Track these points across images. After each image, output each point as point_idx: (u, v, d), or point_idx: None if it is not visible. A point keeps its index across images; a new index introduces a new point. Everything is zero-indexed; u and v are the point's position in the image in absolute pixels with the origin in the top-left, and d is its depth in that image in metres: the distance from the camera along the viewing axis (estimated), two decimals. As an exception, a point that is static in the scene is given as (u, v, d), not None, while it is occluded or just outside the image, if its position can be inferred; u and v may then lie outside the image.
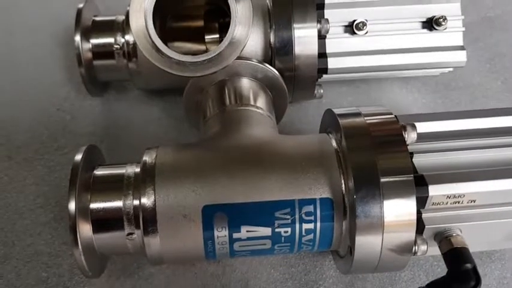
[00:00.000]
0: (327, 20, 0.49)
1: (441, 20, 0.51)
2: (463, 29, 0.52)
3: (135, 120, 0.56)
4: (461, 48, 0.52)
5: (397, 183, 0.37)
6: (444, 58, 0.52)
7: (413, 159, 0.39)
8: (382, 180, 0.36)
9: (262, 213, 0.38)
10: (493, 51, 0.63)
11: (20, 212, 0.50)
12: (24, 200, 0.50)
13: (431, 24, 0.51)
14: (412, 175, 0.37)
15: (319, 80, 0.53)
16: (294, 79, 0.50)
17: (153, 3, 0.42)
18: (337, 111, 0.41)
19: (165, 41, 0.49)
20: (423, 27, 0.51)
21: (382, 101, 0.58)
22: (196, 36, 0.52)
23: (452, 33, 0.52)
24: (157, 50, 0.42)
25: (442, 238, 0.38)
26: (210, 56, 0.42)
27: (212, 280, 0.46)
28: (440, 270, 0.43)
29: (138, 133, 0.55)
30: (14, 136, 0.55)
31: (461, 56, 0.52)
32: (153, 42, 0.42)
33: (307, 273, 0.46)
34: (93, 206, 0.39)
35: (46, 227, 0.49)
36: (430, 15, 0.51)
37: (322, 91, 0.54)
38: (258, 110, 0.45)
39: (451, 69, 0.55)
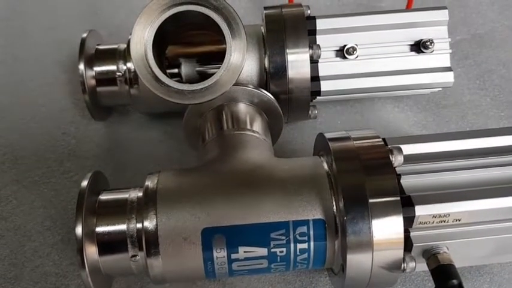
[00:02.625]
0: (318, 45, 0.51)
1: (428, 43, 0.53)
2: (450, 51, 0.54)
3: (138, 143, 0.58)
4: (449, 69, 0.54)
5: (385, 204, 0.39)
6: (432, 79, 0.54)
7: (401, 181, 0.41)
8: (371, 201, 0.39)
9: (258, 234, 0.40)
10: (482, 68, 0.65)
11: (29, 234, 0.52)
12: (33, 222, 0.53)
13: (419, 47, 0.53)
14: (398, 196, 0.39)
15: (313, 101, 0.55)
16: (289, 101, 0.53)
17: (153, 35, 0.44)
18: (328, 135, 0.44)
19: (165, 67, 0.52)
20: (411, 50, 0.54)
21: (375, 120, 0.60)
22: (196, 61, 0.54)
23: (440, 55, 0.54)
24: (157, 79, 0.44)
25: (430, 255, 0.40)
26: (207, 84, 0.44)
27: (213, 297, 0.48)
28: (431, 285, 0.44)
29: (140, 155, 0.57)
30: (22, 160, 0.57)
31: (448, 77, 0.54)
32: (152, 72, 0.44)
33: (303, 290, 0.48)
34: (99, 229, 0.42)
35: (54, 248, 0.51)
36: (417, 39, 0.53)
37: (316, 112, 0.56)
38: (254, 134, 0.48)
39: (439, 88, 0.57)
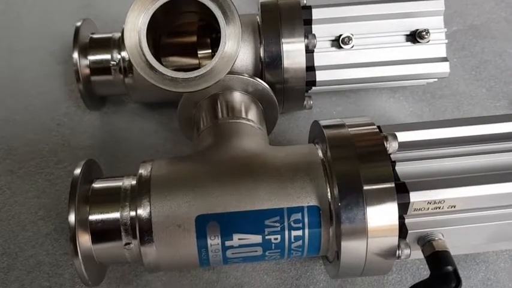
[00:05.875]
0: (314, 35, 0.51)
1: (424, 33, 0.53)
2: (446, 41, 0.54)
3: (132, 133, 0.58)
4: (445, 59, 0.54)
5: (379, 191, 0.38)
6: (428, 69, 0.54)
7: (395, 168, 0.41)
8: (365, 188, 0.38)
9: (252, 221, 0.40)
10: (478, 59, 0.65)
11: (23, 224, 0.52)
12: (26, 212, 0.52)
13: (414, 37, 0.53)
14: (393, 183, 0.39)
15: (308, 91, 0.55)
16: (284, 91, 0.52)
17: (147, 23, 0.44)
18: (322, 122, 0.43)
19: (159, 57, 0.52)
20: (407, 40, 0.53)
21: (370, 110, 0.60)
22: (190, 51, 0.54)
23: (435, 46, 0.54)
24: (151, 67, 0.44)
25: (425, 242, 0.40)
26: (202, 73, 0.44)
27: (207, 286, 0.48)
28: (427, 273, 0.44)
29: (135, 145, 0.57)
30: (16, 151, 0.57)
31: (444, 67, 0.54)
32: (146, 59, 0.44)
33: (298, 278, 0.48)
34: (92, 217, 0.41)
35: (47, 238, 0.51)
36: (413, 29, 0.53)
37: (311, 102, 0.56)
38: (249, 123, 0.47)
39: (435, 79, 0.57)
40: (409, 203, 0.39)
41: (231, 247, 0.41)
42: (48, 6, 0.71)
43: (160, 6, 0.44)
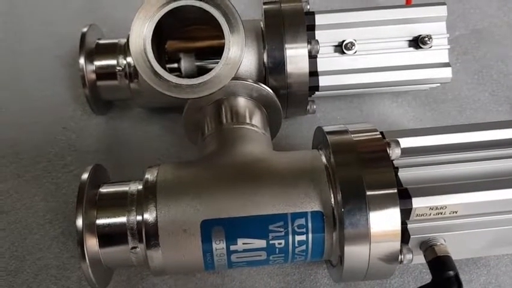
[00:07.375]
0: (317, 40, 0.52)
1: (427, 38, 0.53)
2: (448, 46, 0.54)
3: (138, 138, 0.59)
4: (447, 65, 0.54)
5: (382, 197, 0.39)
6: (430, 75, 0.54)
7: (398, 173, 0.41)
8: (368, 193, 0.39)
9: (257, 226, 0.41)
10: (480, 63, 0.65)
11: (30, 227, 0.52)
12: (34, 215, 0.53)
13: (417, 42, 0.54)
14: (395, 188, 0.39)
15: (312, 96, 0.55)
16: (287, 96, 0.53)
17: (152, 30, 0.44)
18: (326, 128, 0.44)
19: (164, 62, 0.52)
20: (409, 46, 0.54)
21: (373, 115, 0.60)
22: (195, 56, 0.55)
23: (438, 51, 0.54)
24: (156, 73, 0.44)
25: (427, 247, 0.41)
26: (206, 79, 0.44)
27: (212, 289, 0.49)
28: (429, 277, 0.45)
29: (140, 150, 0.58)
30: (23, 155, 0.57)
31: (446, 73, 0.54)
32: (151, 66, 0.44)
33: (302, 282, 0.49)
34: (99, 222, 0.42)
35: (55, 241, 0.51)
36: (416, 34, 0.54)
37: (315, 107, 0.56)
38: (253, 128, 0.48)
39: (438, 84, 0.57)
40: (411, 208, 0.40)
41: (236, 251, 0.41)
42: (52, 9, 0.71)
43: (165, 13, 0.44)
